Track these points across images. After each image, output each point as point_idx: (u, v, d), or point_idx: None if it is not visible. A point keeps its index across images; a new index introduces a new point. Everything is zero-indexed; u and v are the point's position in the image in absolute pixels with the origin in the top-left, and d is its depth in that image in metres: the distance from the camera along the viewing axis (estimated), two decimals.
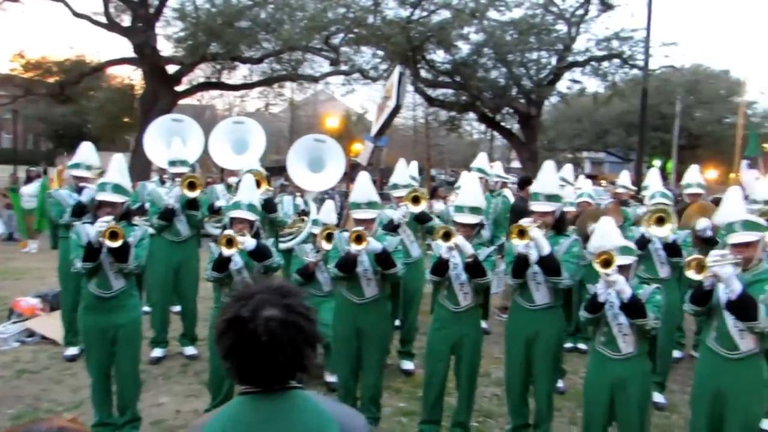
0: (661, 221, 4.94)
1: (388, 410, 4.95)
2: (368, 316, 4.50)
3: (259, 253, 4.41)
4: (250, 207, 4.51)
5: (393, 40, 15.28)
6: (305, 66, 17.48)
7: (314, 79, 18.04)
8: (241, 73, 18.40)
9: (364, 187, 4.62)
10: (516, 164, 26.23)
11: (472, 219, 4.29)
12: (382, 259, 4.36)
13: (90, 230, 4.16)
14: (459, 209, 4.35)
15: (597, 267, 3.54)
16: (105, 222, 4.06)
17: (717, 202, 5.80)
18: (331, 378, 5.33)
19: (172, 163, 6.07)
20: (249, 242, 4.35)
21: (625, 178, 7.97)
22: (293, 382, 1.58)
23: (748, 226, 3.57)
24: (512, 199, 7.49)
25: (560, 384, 5.39)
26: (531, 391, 4.36)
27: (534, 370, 4.25)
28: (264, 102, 20.09)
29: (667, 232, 4.97)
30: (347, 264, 4.39)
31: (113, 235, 4.02)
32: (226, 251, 4.26)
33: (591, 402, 3.84)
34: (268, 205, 6.07)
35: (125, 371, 4.35)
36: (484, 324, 7.04)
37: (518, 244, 4.00)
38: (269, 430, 1.54)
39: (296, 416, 1.55)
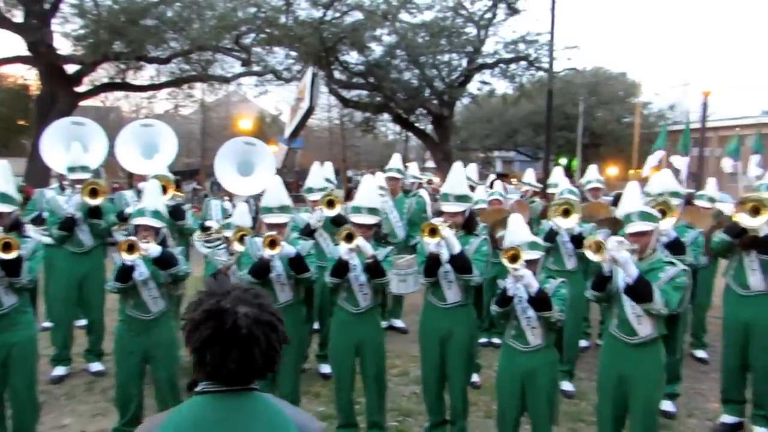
0: (566, 213, 5.19)
1: None
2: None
3: (163, 261, 4.20)
4: (155, 213, 4.31)
5: (306, 41, 15.18)
6: (216, 66, 17.07)
7: (225, 80, 17.65)
8: (147, 74, 17.76)
9: (275, 191, 4.54)
10: (431, 164, 26.74)
11: (369, 219, 4.34)
12: (296, 264, 4.31)
13: None
14: (356, 210, 4.38)
15: (505, 262, 3.65)
16: None
17: (619, 197, 6.13)
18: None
19: (72, 169, 5.71)
20: (153, 249, 4.14)
21: (530, 175, 8.31)
22: (252, 384, 1.58)
23: (644, 216, 3.79)
24: (428, 200, 7.61)
25: (476, 378, 5.52)
26: (447, 388, 4.42)
27: (448, 368, 4.31)
28: (173, 104, 19.47)
29: (572, 223, 5.21)
30: (260, 269, 4.30)
31: (6, 246, 3.75)
32: (127, 257, 4.04)
33: (503, 394, 3.95)
34: (176, 212, 5.84)
35: (20, 393, 4.05)
36: (401, 323, 7.17)
37: (429, 243, 4.06)
38: (234, 428, 1.52)
39: (259, 416, 1.55)
